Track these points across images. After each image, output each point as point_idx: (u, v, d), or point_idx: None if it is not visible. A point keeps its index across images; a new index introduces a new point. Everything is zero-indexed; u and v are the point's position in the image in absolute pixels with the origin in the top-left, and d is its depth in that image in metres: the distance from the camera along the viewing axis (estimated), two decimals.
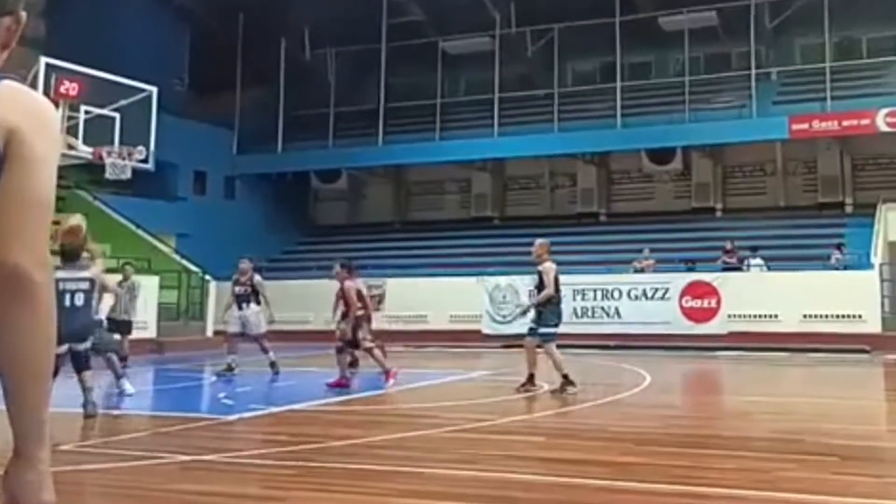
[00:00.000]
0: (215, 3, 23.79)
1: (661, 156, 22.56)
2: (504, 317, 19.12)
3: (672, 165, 22.79)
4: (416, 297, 19.91)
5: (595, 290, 18.38)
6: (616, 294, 18.25)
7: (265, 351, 11.88)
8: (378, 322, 19.84)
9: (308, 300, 18.90)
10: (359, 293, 10.62)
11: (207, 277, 18.91)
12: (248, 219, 23.42)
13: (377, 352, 10.54)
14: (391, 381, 10.24)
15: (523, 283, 18.98)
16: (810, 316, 16.51)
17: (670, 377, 12.75)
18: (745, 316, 17.11)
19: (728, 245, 18.67)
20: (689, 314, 17.59)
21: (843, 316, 16.36)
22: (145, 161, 11.98)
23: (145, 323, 15.88)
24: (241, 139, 24.92)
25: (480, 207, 25.26)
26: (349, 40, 23.97)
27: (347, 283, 10.51)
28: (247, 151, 24.83)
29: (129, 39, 21.46)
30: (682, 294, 17.70)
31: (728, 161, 23.30)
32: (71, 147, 11.44)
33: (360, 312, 10.50)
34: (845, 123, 19.66)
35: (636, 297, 18.06)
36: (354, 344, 10.45)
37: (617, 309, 18.19)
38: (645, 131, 21.57)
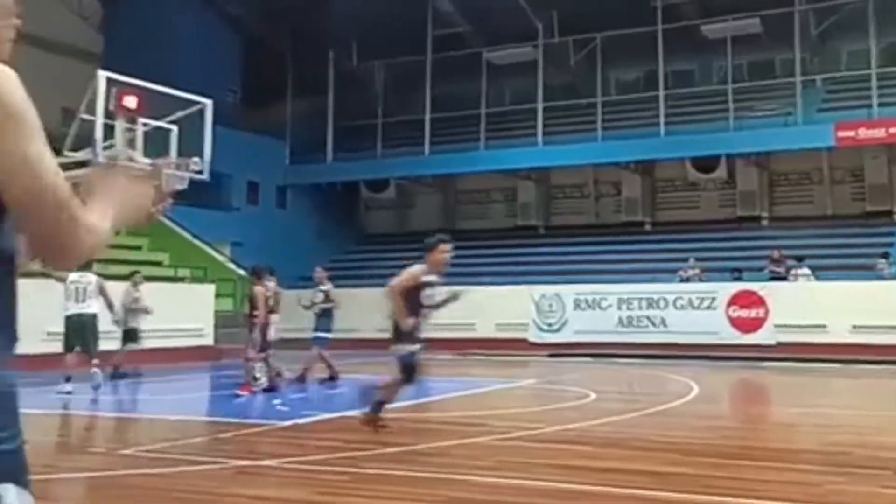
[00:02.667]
0: (266, 15, 24.30)
1: (705, 164, 22.31)
2: (550, 325, 19.09)
3: (717, 174, 22.51)
4: (463, 306, 19.79)
5: (640, 300, 18.20)
6: (661, 303, 18.05)
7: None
8: (426, 330, 20.03)
9: (358, 308, 19.04)
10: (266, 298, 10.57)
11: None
12: (300, 228, 23.77)
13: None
14: (246, 393, 10.15)
15: (570, 292, 18.95)
16: (860, 327, 16.11)
17: (717, 387, 12.55)
18: (792, 326, 16.76)
19: (775, 254, 18.35)
20: (736, 324, 17.32)
21: (894, 327, 15.94)
22: (201, 172, 12.12)
23: (202, 330, 16.11)
24: (293, 149, 25.33)
25: (526, 216, 25.22)
26: (396, 52, 24.22)
27: (256, 288, 10.57)
28: (298, 161, 25.23)
29: (184, 52, 22.17)
30: (729, 303, 17.43)
31: (774, 169, 22.92)
32: (131, 160, 11.67)
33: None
34: (892, 130, 19.22)
35: (682, 307, 17.83)
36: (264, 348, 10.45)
37: (663, 318, 17.99)
38: (689, 139, 21.34)
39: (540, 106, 22.88)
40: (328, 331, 12.02)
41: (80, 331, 10.17)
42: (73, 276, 10.26)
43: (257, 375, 10.54)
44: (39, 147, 1.44)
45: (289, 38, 24.60)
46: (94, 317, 10.37)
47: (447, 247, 7.72)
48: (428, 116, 23.95)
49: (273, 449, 6.70)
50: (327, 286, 12.23)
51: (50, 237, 1.45)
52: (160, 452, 6.43)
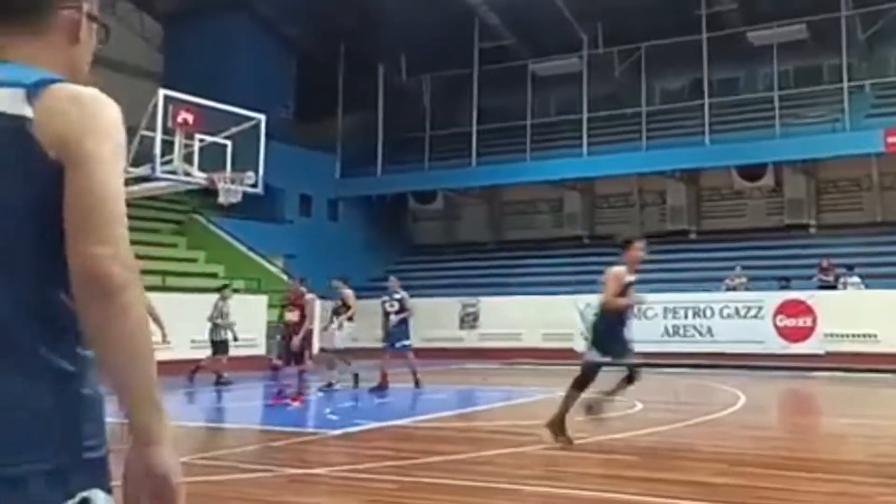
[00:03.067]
0: (318, 34, 24.73)
1: (751, 172, 22.00)
2: None
3: (763, 182, 22.18)
4: (510, 316, 19.96)
5: (686, 309, 18.04)
6: (708, 312, 17.86)
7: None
8: (472, 340, 20.17)
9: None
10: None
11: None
12: (351, 240, 24.03)
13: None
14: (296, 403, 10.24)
15: None
16: None
17: (764, 397, 12.36)
18: (841, 335, 16.44)
19: (824, 262, 18.01)
20: (784, 333, 17.05)
21: None
22: (255, 186, 12.37)
23: (255, 340, 16.42)
24: (343, 163, 25.68)
25: (571, 226, 25.13)
26: (443, 65, 24.47)
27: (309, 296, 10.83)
28: (348, 175, 25.56)
29: (239, 70, 22.79)
30: (776, 313, 17.17)
31: (822, 176, 22.48)
32: (188, 174, 11.93)
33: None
34: None
35: (728, 316, 17.62)
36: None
37: (709, 328, 17.79)
38: (734, 148, 21.06)
39: (585, 116, 22.81)
40: (408, 338, 12.30)
41: None
42: None
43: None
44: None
45: (340, 56, 25.02)
46: None
47: (640, 244, 7.51)
48: (475, 128, 24.05)
49: (324, 457, 6.78)
50: (401, 294, 12.37)
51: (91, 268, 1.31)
52: (215, 460, 6.55)
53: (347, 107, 25.53)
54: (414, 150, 25.11)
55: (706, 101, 21.60)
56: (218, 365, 12.99)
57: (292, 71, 25.35)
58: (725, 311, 17.69)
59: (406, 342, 12.28)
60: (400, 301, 12.33)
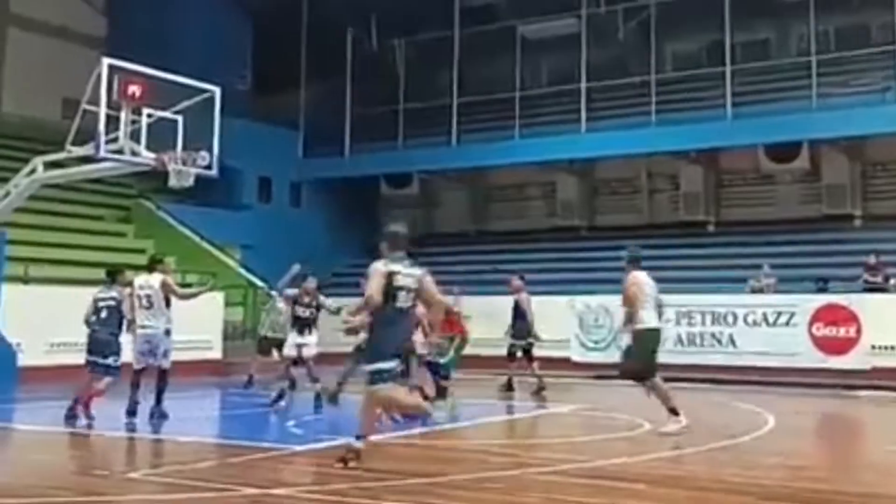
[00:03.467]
0: None
1: (782, 152, 22.01)
2: (596, 343, 18.97)
3: (797, 164, 22.19)
4: (496, 318, 19.85)
5: (703, 314, 18.05)
6: (729, 318, 17.86)
7: (315, 380, 12.06)
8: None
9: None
10: None
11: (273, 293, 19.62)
12: (315, 229, 24.32)
13: None
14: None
15: (619, 304, 18.75)
16: None
17: (798, 419, 12.42)
18: (891, 348, 16.45)
19: (871, 260, 18.01)
20: (822, 344, 17.06)
21: None
22: (209, 167, 12.58)
23: (209, 342, 16.77)
24: (307, 141, 25.83)
25: (567, 215, 25.14)
26: (419, 28, 24.52)
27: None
28: (312, 155, 25.70)
29: (190, 35, 23.28)
30: (812, 320, 17.18)
31: (868, 157, 22.50)
32: (135, 154, 11.97)
33: None
34: None
35: (754, 323, 17.63)
36: None
37: (731, 336, 17.80)
38: (762, 123, 21.05)
39: (583, 86, 22.80)
40: None
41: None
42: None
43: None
44: None
45: (302, 18, 25.17)
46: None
47: None
48: (455, 101, 24.04)
49: (287, 477, 7.05)
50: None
51: None
52: (168, 476, 6.91)
53: (311, 77, 25.59)
54: (386, 126, 25.11)
55: (728, 67, 21.59)
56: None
57: (249, 34, 25.67)
58: (750, 318, 17.69)
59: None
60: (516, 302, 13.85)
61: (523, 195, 26.42)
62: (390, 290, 7.26)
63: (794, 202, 23.04)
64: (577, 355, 19.07)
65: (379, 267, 7.37)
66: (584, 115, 22.67)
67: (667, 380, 16.13)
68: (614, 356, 18.50)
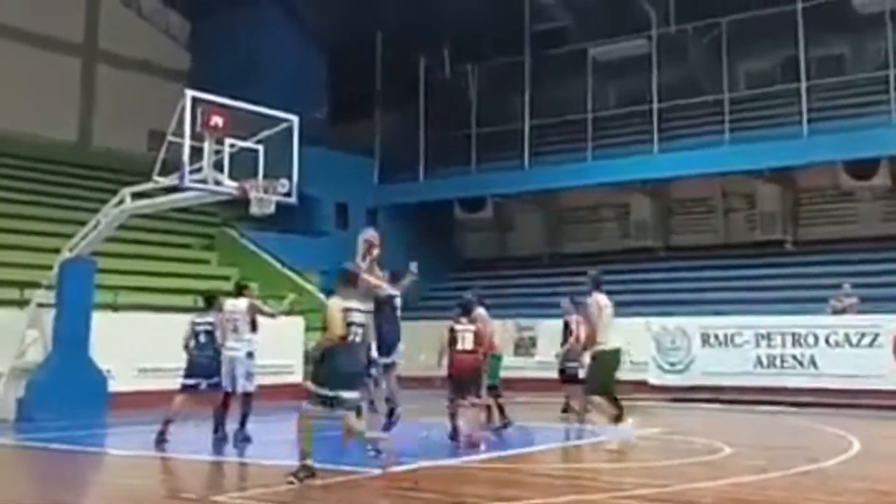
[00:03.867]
0: (351, 23, 25.43)
1: (862, 169, 21.53)
2: (673, 365, 18.75)
3: (877, 180, 21.68)
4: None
5: (783, 335, 17.70)
6: (811, 340, 17.48)
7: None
8: (530, 368, 20.24)
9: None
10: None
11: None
12: (392, 253, 24.16)
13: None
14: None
15: (697, 325, 18.55)
16: None
17: (885, 443, 12.06)
18: None
19: None
20: None
21: None
22: (288, 195, 12.72)
23: (291, 367, 16.87)
24: (382, 167, 26.27)
25: (641, 236, 24.95)
26: (490, 53, 24.82)
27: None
28: (388, 180, 26.13)
29: (269, 67, 24.19)
30: None
31: None
32: (218, 183, 12.31)
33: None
34: None
35: (836, 344, 17.23)
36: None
37: (812, 358, 17.42)
38: (840, 139, 20.61)
39: (655, 107, 22.69)
40: None
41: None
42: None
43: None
44: None
45: (376, 48, 25.75)
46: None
47: None
48: (527, 124, 24.12)
49: (368, 499, 7.15)
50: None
51: None
52: (252, 499, 7.06)
53: (385, 105, 26.09)
54: (459, 151, 25.42)
55: (803, 83, 21.25)
56: None
57: (324, 66, 26.35)
58: (832, 339, 17.30)
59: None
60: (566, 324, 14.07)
61: (597, 217, 26.34)
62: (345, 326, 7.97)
63: (875, 219, 22.48)
64: (654, 378, 18.86)
65: (337, 303, 8.11)
66: (656, 135, 22.52)
67: (745, 402, 16.04)
68: (692, 379, 18.35)
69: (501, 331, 14.00)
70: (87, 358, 13.94)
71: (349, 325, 7.96)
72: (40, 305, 14.34)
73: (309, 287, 21.42)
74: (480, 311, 12.03)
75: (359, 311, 8.14)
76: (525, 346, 20.89)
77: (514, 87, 24.84)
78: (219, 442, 10.72)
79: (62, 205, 20.12)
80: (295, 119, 12.93)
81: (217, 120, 11.98)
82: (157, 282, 18.52)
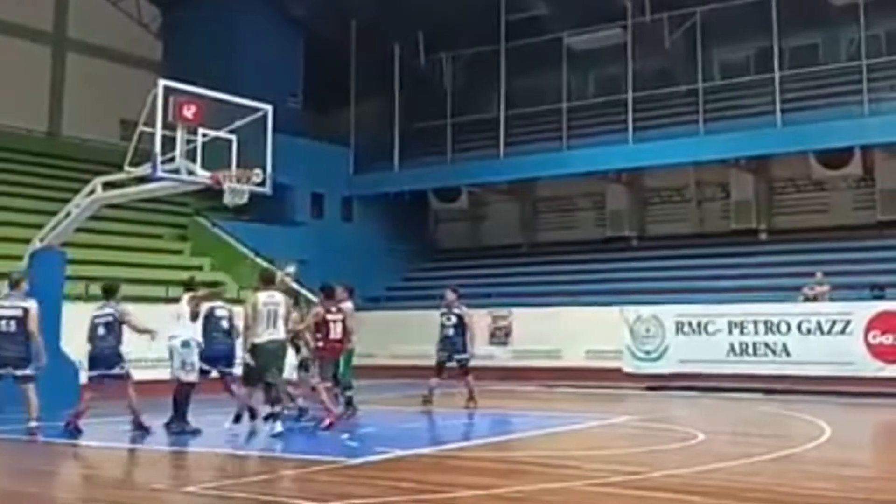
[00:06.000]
0: (326, 11, 25.45)
1: (834, 158, 21.68)
2: (648, 353, 18.85)
3: (849, 169, 21.84)
4: (547, 330, 19.99)
5: (756, 323, 17.84)
6: (783, 327, 17.62)
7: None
8: (504, 358, 20.34)
9: (430, 331, 19.27)
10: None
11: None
12: (367, 243, 24.67)
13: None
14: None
15: (671, 314, 18.66)
16: None
17: (855, 430, 12.25)
18: None
19: None
20: (878, 352, 16.74)
21: None
22: (262, 184, 12.71)
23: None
24: (358, 157, 26.12)
25: (616, 226, 25.03)
26: (465, 42, 24.77)
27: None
28: (363, 170, 26.00)
29: (242, 55, 24.04)
30: (868, 328, 16.88)
31: None
32: (191, 173, 12.26)
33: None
34: None
35: (808, 332, 17.39)
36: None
37: (784, 345, 17.58)
38: (813, 129, 20.76)
39: (630, 96, 22.72)
40: (466, 351, 13.83)
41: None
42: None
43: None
44: None
45: (351, 36, 25.59)
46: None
47: None
48: (502, 114, 24.11)
49: (343, 489, 7.02)
50: (461, 310, 13.79)
51: None
52: (224, 490, 6.97)
53: (360, 94, 25.95)
54: (434, 140, 25.36)
55: (776, 73, 21.37)
56: None
57: (300, 54, 26.22)
58: (805, 326, 17.45)
59: (464, 356, 13.67)
60: (459, 316, 13.71)
61: (572, 206, 26.41)
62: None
63: (847, 209, 22.70)
64: (628, 366, 18.96)
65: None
66: (631, 125, 22.57)
67: (719, 389, 16.16)
68: (667, 367, 18.47)
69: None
70: (59, 349, 13.79)
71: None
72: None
73: (284, 278, 21.34)
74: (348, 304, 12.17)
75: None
76: (499, 336, 20.91)
77: (489, 76, 24.80)
78: (180, 431, 10.65)
79: (32, 195, 19.90)
80: (269, 108, 12.90)
81: (190, 109, 11.93)
82: (129, 272, 18.33)
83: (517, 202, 26.92)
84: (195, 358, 11.01)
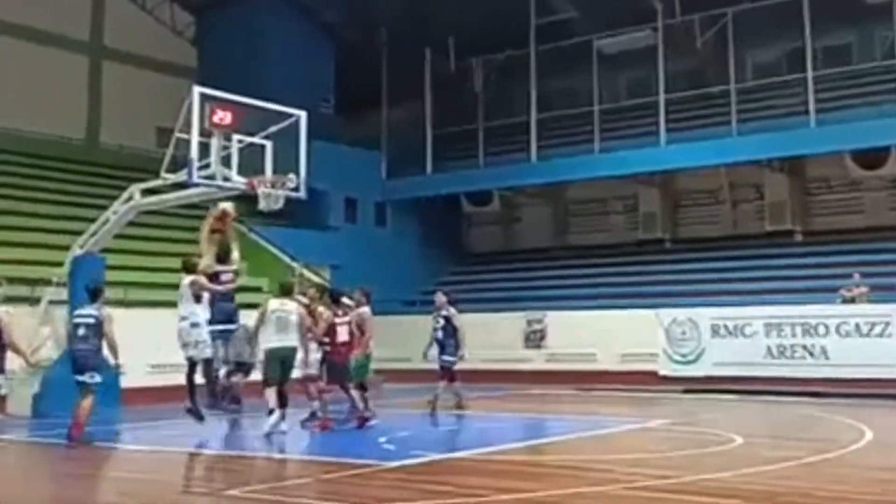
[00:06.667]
0: (358, 17, 25.71)
1: (870, 158, 21.42)
2: (684, 356, 18.71)
3: (886, 169, 21.57)
4: (582, 333, 19.93)
5: (794, 325, 17.67)
6: (821, 329, 17.43)
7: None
8: (539, 361, 20.31)
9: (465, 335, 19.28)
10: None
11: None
12: (400, 247, 24.81)
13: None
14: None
15: (707, 316, 18.50)
16: None
17: None
18: None
19: None
20: None
21: None
22: (297, 189, 12.80)
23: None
24: (390, 162, 26.22)
25: (649, 228, 24.89)
26: (495, 46, 24.79)
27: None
28: (396, 175, 26.07)
29: (276, 61, 24.28)
30: None
31: None
32: (226, 179, 12.35)
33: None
34: None
35: (846, 334, 17.19)
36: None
37: (823, 348, 17.39)
38: (847, 129, 20.48)
39: (661, 98, 22.54)
40: (452, 355, 13.53)
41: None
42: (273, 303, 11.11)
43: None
44: None
45: (382, 42, 25.74)
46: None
47: None
48: (533, 118, 24.03)
49: (381, 493, 7.07)
50: (448, 312, 13.63)
51: None
52: (265, 493, 7.03)
53: (392, 99, 26.04)
54: (466, 144, 25.40)
55: (809, 73, 21.12)
56: None
57: (332, 60, 26.41)
58: (843, 328, 17.26)
59: (449, 358, 13.37)
60: (446, 318, 13.47)
61: (604, 209, 26.28)
62: None
63: (883, 209, 22.38)
64: (665, 369, 18.81)
65: None
66: (663, 126, 22.40)
67: (756, 392, 16.00)
68: (702, 370, 18.31)
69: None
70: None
71: None
72: (52, 303, 14.33)
73: (320, 282, 21.45)
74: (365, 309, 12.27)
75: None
76: (534, 339, 20.87)
77: (519, 80, 24.74)
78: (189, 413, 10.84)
79: (72, 202, 20.13)
80: (303, 114, 12.96)
81: (224, 116, 12.01)
82: (166, 277, 18.48)
83: (549, 205, 26.83)
84: (206, 336, 11.10)
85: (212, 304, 11.42)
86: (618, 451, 9.72)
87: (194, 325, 11.06)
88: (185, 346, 11.08)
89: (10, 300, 14.69)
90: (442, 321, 13.55)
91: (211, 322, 11.29)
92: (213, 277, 11.38)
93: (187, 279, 11.35)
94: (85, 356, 10.34)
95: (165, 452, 10.06)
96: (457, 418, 12.84)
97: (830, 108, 21.08)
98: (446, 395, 13.40)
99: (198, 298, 11.21)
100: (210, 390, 11.03)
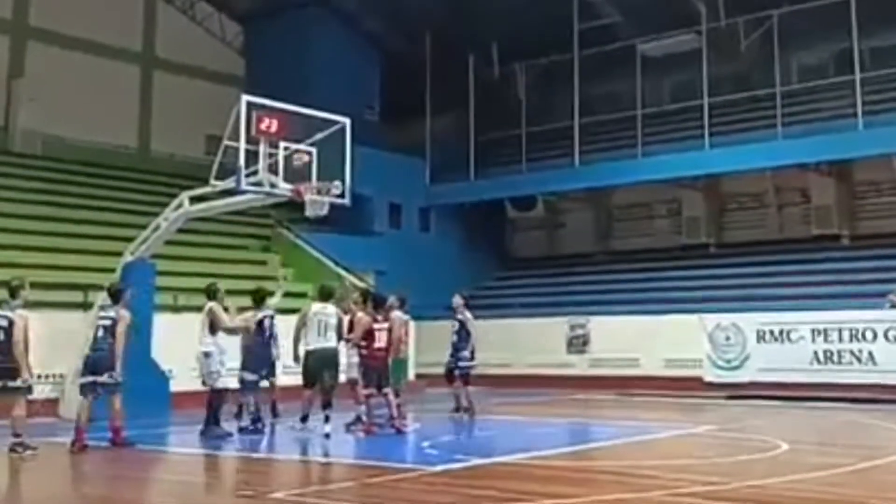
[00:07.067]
0: (402, 25, 25.99)
1: None
2: (728, 361, 18.50)
3: None
4: (625, 338, 19.84)
5: (841, 330, 17.42)
6: (868, 335, 17.15)
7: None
8: (582, 366, 20.25)
9: (509, 340, 19.27)
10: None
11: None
12: (444, 253, 24.85)
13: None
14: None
15: (752, 322, 18.28)
16: None
17: None
18: None
19: None
20: None
21: None
22: (342, 196, 12.90)
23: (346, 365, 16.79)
24: (434, 167, 26.33)
25: (693, 233, 24.67)
26: (538, 51, 24.83)
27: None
28: (440, 180, 26.19)
29: (321, 69, 24.66)
30: None
31: None
32: (273, 186, 12.47)
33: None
34: None
35: (895, 339, 16.86)
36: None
37: (870, 353, 17.12)
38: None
39: (706, 102, 22.36)
40: (465, 360, 13.45)
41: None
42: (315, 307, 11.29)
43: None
44: None
45: (426, 49, 25.87)
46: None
47: None
48: (577, 122, 23.97)
49: (425, 497, 7.10)
50: (462, 316, 13.60)
51: None
52: (310, 497, 7.08)
53: (435, 105, 26.15)
54: (510, 150, 25.46)
55: (857, 75, 20.78)
56: None
57: (376, 67, 26.72)
58: (891, 333, 16.99)
59: (462, 364, 13.34)
60: (461, 322, 13.52)
61: (648, 213, 26.13)
62: None
63: None
64: (709, 375, 18.62)
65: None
66: (707, 130, 22.20)
67: (802, 399, 15.76)
68: (747, 375, 18.09)
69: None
70: (150, 359, 14.16)
71: None
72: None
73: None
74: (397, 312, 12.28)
75: None
76: (577, 344, 20.79)
77: (562, 84, 24.72)
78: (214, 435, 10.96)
79: (123, 209, 20.47)
80: (347, 121, 13.09)
81: (271, 123, 12.15)
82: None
83: (592, 210, 26.75)
84: (217, 367, 11.14)
85: (249, 349, 11.60)
86: (662, 456, 9.65)
87: (206, 354, 11.11)
88: (198, 371, 11.23)
89: (64, 306, 15.07)
90: (457, 325, 13.56)
91: (243, 367, 11.48)
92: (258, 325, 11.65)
93: (207, 306, 11.40)
94: (101, 357, 10.30)
95: (210, 455, 10.19)
96: (493, 423, 12.86)
97: (878, 111, 20.74)
98: (451, 398, 13.47)
99: (213, 329, 11.20)
100: (207, 417, 11.10)
